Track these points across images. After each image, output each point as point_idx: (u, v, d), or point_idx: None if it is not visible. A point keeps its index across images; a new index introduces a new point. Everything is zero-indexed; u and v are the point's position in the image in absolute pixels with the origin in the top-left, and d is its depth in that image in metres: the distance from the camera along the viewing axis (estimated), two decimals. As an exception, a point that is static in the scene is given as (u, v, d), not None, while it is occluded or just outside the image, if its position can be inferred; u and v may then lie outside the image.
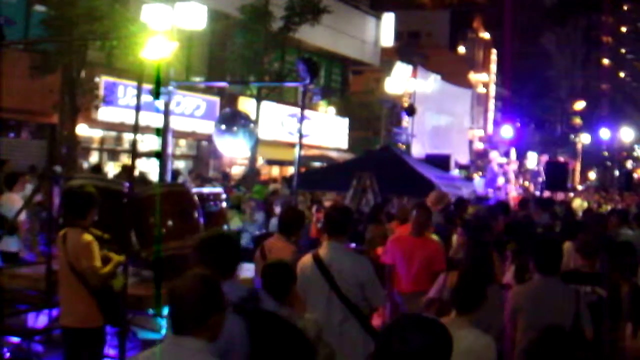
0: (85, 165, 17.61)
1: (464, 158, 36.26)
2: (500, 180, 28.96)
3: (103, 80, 17.12)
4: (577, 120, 57.65)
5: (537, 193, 28.16)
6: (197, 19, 11.36)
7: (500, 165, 32.74)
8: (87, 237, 5.30)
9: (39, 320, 6.86)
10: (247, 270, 6.78)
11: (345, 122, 28.33)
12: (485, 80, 46.49)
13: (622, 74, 76.61)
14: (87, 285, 5.27)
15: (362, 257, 5.65)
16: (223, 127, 9.02)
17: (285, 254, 5.70)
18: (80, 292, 5.28)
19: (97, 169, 14.58)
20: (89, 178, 7.16)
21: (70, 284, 5.33)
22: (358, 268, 5.18)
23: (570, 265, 6.10)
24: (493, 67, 48.29)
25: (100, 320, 5.35)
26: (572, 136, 53.28)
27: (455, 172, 24.53)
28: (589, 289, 5.26)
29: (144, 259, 6.37)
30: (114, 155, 20.42)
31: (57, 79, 14.82)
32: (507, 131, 44.04)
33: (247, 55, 19.87)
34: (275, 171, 25.39)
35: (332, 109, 27.73)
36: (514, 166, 36.69)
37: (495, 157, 36.07)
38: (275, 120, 23.42)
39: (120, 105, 17.73)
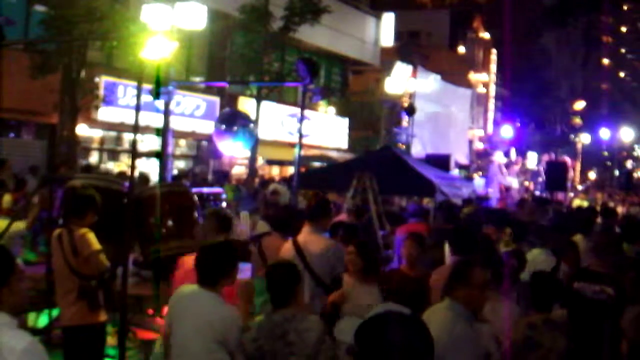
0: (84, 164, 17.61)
1: (464, 158, 36.26)
2: (509, 180, 28.95)
3: (103, 80, 17.13)
4: (577, 120, 57.60)
5: (537, 193, 28.20)
6: (197, 19, 11.33)
7: (500, 166, 32.73)
8: (82, 229, 5.35)
9: (39, 320, 6.87)
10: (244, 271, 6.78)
11: (345, 122, 28.33)
12: (485, 80, 46.47)
13: (622, 74, 76.60)
14: (82, 281, 5.32)
15: (333, 242, 6.09)
16: (223, 127, 9.03)
17: (284, 252, 5.84)
18: (76, 289, 5.31)
19: (89, 169, 14.57)
20: (90, 178, 7.16)
21: (67, 282, 5.36)
22: (329, 251, 5.73)
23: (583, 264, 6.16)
24: (493, 67, 48.27)
25: (98, 317, 5.37)
26: (572, 136, 53.24)
27: (455, 172, 24.53)
28: (597, 287, 5.26)
29: (143, 258, 6.38)
30: (114, 155, 20.42)
31: (57, 79, 14.83)
32: (507, 131, 44.04)
33: (247, 55, 19.88)
34: (275, 171, 25.40)
35: (332, 109, 27.74)
36: (516, 167, 36.69)
37: (499, 158, 36.05)
38: (275, 120, 23.43)
39: (120, 105, 17.73)
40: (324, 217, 6.04)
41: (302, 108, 9.07)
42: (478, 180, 26.86)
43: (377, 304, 5.09)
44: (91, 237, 5.36)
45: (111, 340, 5.96)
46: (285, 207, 7.53)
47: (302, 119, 9.37)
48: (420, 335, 2.41)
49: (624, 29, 76.58)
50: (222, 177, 18.00)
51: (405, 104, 28.26)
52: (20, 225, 7.14)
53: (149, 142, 18.93)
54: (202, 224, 5.14)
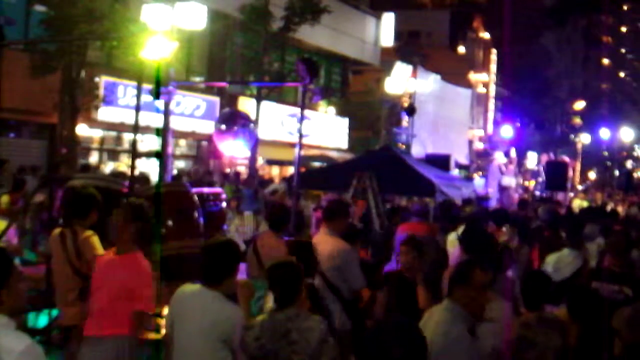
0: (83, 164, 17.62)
1: (464, 158, 36.28)
2: (508, 180, 28.96)
3: (103, 80, 17.12)
4: (577, 120, 57.58)
5: (538, 193, 28.20)
6: (197, 19, 11.34)
7: (499, 166, 32.75)
8: (87, 232, 5.36)
9: (39, 320, 6.86)
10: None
11: (345, 122, 28.32)
12: (485, 80, 46.48)
13: (622, 74, 76.54)
14: (85, 282, 5.31)
15: (343, 244, 6.05)
16: (223, 127, 9.03)
17: (280, 249, 5.86)
18: (78, 289, 5.30)
19: (87, 168, 14.57)
20: (90, 178, 7.16)
21: (69, 282, 5.35)
22: (335, 252, 5.80)
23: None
24: (493, 67, 48.28)
25: None
26: (572, 136, 53.24)
27: (455, 172, 24.53)
28: (616, 287, 5.27)
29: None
30: (114, 155, 20.42)
31: (57, 79, 14.82)
32: (507, 131, 44.05)
33: (247, 55, 19.88)
34: (275, 171, 25.39)
35: (332, 109, 27.73)
36: (511, 167, 36.76)
37: (498, 157, 36.08)
38: (275, 120, 23.42)
39: (120, 105, 17.73)
40: (340, 218, 6.07)
41: (302, 108, 9.05)
42: (478, 180, 26.87)
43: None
44: (95, 240, 5.36)
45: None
46: (278, 205, 7.52)
47: (302, 119, 9.34)
48: (414, 344, 2.43)
49: (624, 29, 76.54)
50: (222, 177, 18.02)
51: (405, 104, 28.29)
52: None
53: (149, 142, 18.92)
54: (115, 215, 5.07)
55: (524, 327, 4.48)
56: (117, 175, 12.40)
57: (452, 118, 37.21)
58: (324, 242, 5.91)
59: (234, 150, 9.63)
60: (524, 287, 4.75)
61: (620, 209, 21.75)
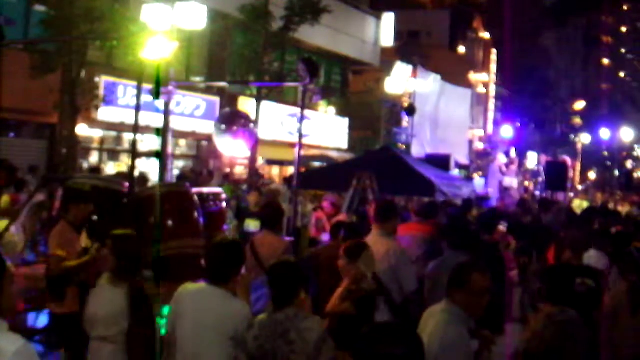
0: (85, 165, 17.62)
1: (464, 158, 36.24)
2: (509, 180, 28.97)
3: (103, 80, 17.11)
4: (577, 120, 57.60)
5: (537, 193, 28.20)
6: (197, 19, 11.31)
7: (500, 166, 32.73)
8: (60, 227, 5.42)
9: (39, 320, 6.87)
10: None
11: (345, 122, 28.32)
12: (485, 80, 46.45)
13: (622, 74, 76.57)
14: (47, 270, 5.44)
15: (398, 243, 6.07)
16: (223, 127, 9.01)
17: (279, 247, 5.87)
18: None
19: (97, 170, 14.60)
20: (90, 178, 7.16)
21: None
22: (391, 252, 5.70)
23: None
24: (493, 67, 48.25)
25: (63, 307, 5.33)
26: (572, 136, 53.26)
27: (455, 172, 24.52)
28: (579, 280, 5.46)
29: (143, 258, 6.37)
30: (114, 155, 20.42)
31: (57, 79, 14.82)
32: (507, 131, 44.05)
33: (247, 55, 19.87)
34: (275, 171, 25.39)
35: (332, 109, 27.72)
36: (512, 167, 36.77)
37: (500, 158, 36.05)
38: (275, 120, 23.42)
39: (120, 105, 17.72)
40: (392, 219, 6.07)
41: (302, 108, 9.04)
42: (478, 180, 26.86)
43: (121, 313, 4.71)
44: (62, 238, 5.43)
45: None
46: (268, 204, 7.54)
47: (302, 119, 9.33)
48: (411, 347, 2.43)
49: (624, 29, 76.55)
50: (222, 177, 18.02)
51: (405, 104, 28.27)
52: None
53: (149, 142, 18.92)
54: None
55: (549, 320, 4.53)
56: (119, 175, 12.43)
57: (452, 118, 37.18)
58: (379, 244, 5.79)
59: (234, 150, 9.61)
60: (548, 282, 4.82)
61: (621, 208, 21.76)
